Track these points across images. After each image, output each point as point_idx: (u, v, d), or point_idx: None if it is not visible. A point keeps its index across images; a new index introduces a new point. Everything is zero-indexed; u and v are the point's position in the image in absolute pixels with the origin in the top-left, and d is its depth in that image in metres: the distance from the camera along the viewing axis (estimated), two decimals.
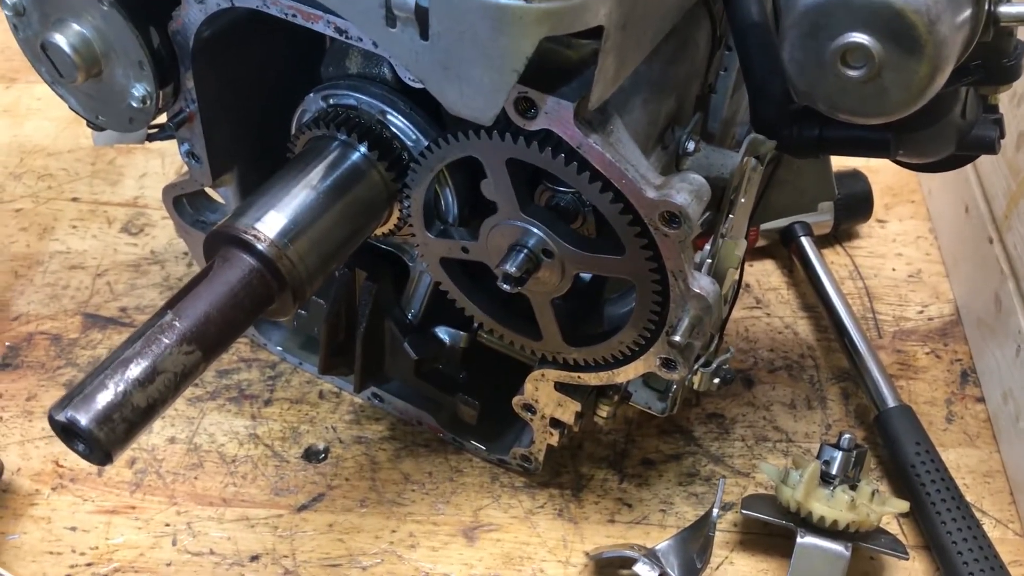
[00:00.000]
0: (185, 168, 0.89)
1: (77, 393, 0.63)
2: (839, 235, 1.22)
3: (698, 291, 0.71)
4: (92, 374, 0.64)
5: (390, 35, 0.59)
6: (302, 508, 0.95)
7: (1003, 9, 0.63)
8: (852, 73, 0.60)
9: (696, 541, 0.90)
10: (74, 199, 1.24)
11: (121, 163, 1.28)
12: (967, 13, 0.60)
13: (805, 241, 1.15)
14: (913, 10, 0.57)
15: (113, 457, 0.63)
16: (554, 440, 0.91)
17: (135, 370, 0.64)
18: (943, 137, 0.73)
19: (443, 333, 0.94)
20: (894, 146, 0.72)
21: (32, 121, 1.35)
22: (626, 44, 0.62)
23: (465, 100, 0.60)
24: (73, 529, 0.93)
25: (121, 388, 0.63)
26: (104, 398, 0.63)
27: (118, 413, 0.63)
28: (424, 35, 0.58)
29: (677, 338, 0.72)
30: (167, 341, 0.66)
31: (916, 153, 0.75)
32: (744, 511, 0.91)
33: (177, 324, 0.66)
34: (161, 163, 1.29)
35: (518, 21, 0.55)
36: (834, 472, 0.89)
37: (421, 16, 0.57)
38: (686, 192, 0.67)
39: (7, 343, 1.08)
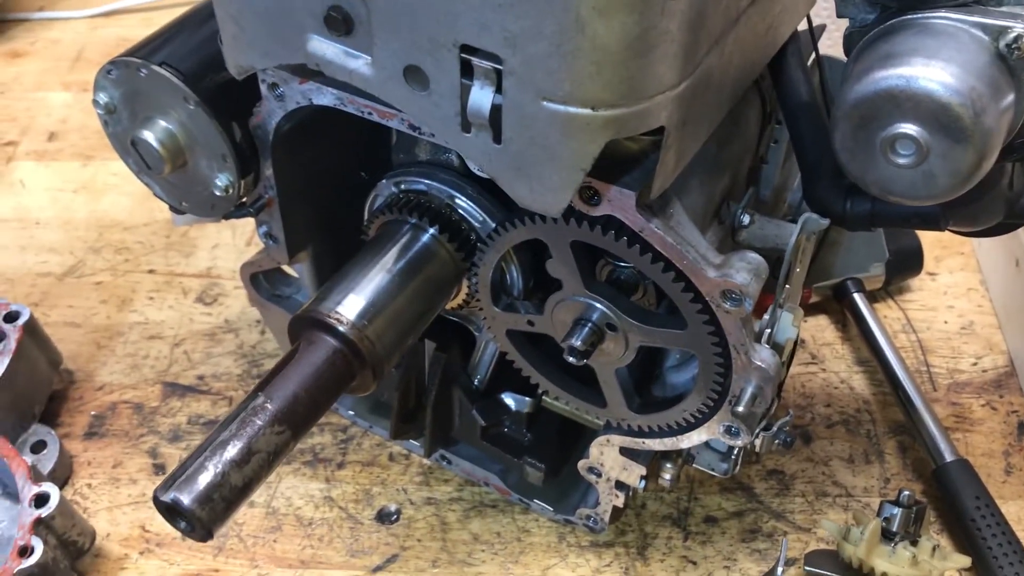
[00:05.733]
0: (256, 239, 0.94)
1: (179, 474, 0.67)
2: (891, 289, 1.24)
3: (759, 363, 0.74)
4: (192, 456, 0.69)
5: (464, 139, 0.64)
6: (377, 569, 0.99)
7: None
8: (901, 160, 0.63)
9: None
10: (150, 271, 1.30)
11: (194, 235, 1.34)
12: (1010, 99, 0.63)
13: (858, 297, 1.17)
14: (959, 103, 0.60)
15: (214, 533, 0.68)
16: (619, 502, 0.94)
17: (231, 451, 0.69)
18: (991, 208, 0.76)
19: (509, 398, 0.97)
20: (944, 219, 0.75)
21: (109, 196, 1.41)
22: (685, 139, 0.65)
23: (535, 196, 0.64)
24: None
25: (219, 469, 0.68)
26: (204, 479, 0.67)
27: (217, 493, 0.67)
28: (497, 140, 0.62)
29: (740, 408, 0.75)
30: (260, 422, 0.70)
31: (966, 224, 0.78)
32: (807, 568, 0.93)
33: (269, 406, 0.71)
34: (232, 234, 1.34)
35: (585, 127, 0.59)
36: (895, 528, 0.90)
37: (494, 122, 0.62)
38: (745, 271, 0.70)
39: (92, 412, 1.14)
